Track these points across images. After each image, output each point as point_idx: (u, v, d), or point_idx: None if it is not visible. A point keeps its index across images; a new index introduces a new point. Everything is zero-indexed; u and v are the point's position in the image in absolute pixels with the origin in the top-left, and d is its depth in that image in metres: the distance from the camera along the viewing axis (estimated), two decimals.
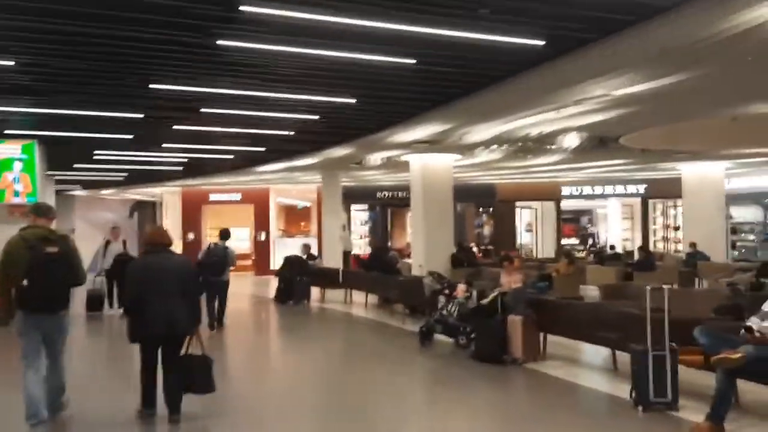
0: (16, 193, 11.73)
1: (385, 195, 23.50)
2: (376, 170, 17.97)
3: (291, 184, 23.14)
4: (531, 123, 10.02)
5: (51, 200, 16.24)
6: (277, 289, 14.71)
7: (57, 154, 13.52)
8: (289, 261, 15.01)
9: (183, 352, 5.31)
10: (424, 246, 13.46)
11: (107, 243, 12.54)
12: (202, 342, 5.38)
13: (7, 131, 11.15)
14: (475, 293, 8.40)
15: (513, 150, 13.08)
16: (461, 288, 8.50)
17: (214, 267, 10.50)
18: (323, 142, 12.58)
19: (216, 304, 10.64)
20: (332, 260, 17.50)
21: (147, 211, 30.78)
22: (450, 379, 7.32)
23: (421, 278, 10.49)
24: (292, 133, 11.42)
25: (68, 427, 5.39)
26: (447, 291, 8.73)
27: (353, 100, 8.28)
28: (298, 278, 14.38)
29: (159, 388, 5.34)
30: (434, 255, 13.15)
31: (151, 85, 7.60)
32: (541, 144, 11.93)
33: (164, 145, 13.34)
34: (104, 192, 25.71)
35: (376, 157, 14.88)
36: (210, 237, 21.96)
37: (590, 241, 26.00)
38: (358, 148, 13.22)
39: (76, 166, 16.50)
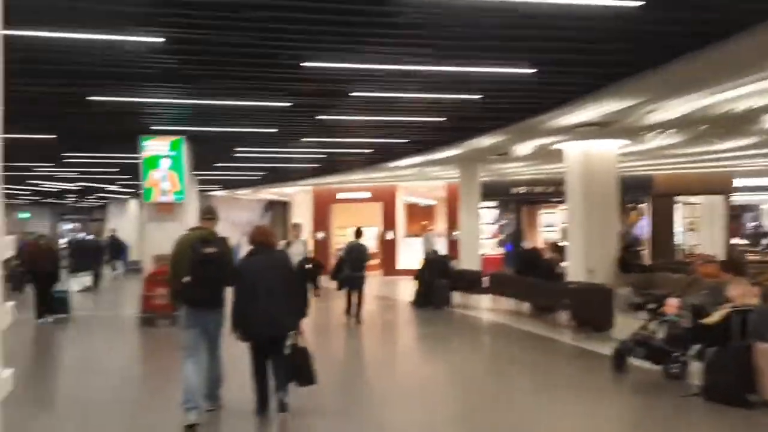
0: (164, 192, 11.57)
1: (519, 191, 21.63)
2: (520, 162, 16.46)
3: (421, 180, 22.11)
4: (742, 94, 8.16)
5: (194, 199, 16.44)
6: (416, 291, 13.65)
7: (200, 153, 13.41)
8: (429, 261, 13.94)
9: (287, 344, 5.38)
10: (583, 247, 11.86)
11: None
12: (305, 338, 5.49)
13: (154, 127, 10.99)
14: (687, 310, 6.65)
15: (699, 132, 11.08)
16: (673, 303, 6.76)
17: (354, 263, 11.17)
18: (474, 130, 11.35)
19: (355, 299, 11.20)
20: (469, 262, 16.14)
21: (279, 210, 31.27)
22: (673, 425, 5.66)
23: (600, 287, 8.91)
24: (442, 119, 10.31)
25: (219, 416, 5.68)
26: (652, 305, 7.02)
27: (531, 70, 6.97)
28: (437, 280, 13.26)
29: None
30: (594, 257, 11.53)
31: (304, 63, 6.77)
32: (742, 123, 9.91)
33: (304, 140, 12.78)
34: (240, 192, 26.20)
35: (526, 146, 13.40)
36: (338, 236, 21.60)
37: (766, 241, 22.64)
38: (511, 135, 11.85)
39: (216, 164, 16.51)
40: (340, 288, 11.40)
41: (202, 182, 19.66)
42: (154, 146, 11.49)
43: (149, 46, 6.14)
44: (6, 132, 2.05)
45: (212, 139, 12.48)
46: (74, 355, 9.77)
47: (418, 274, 13.79)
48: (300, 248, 11.24)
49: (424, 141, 12.74)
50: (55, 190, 25.27)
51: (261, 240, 5.44)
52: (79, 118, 10.20)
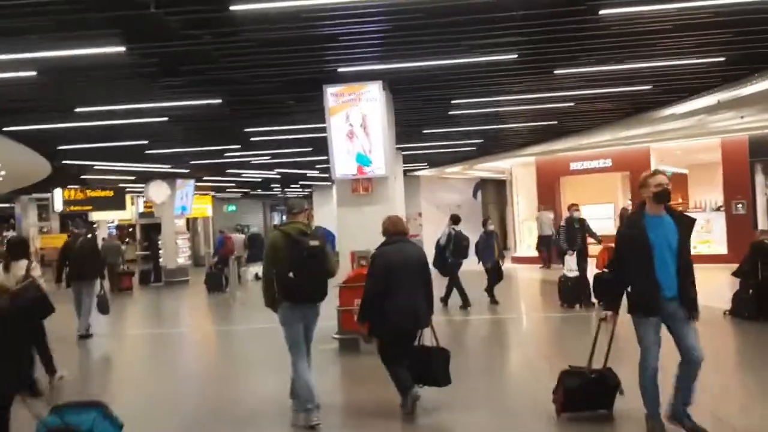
0: (360, 158, 8.23)
1: None
2: None
3: (691, 137, 16.41)
4: None
5: (400, 179, 13.25)
6: (740, 294, 8.76)
7: (406, 109, 9.93)
8: (758, 248, 8.88)
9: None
10: None
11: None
12: (435, 333, 5.35)
13: (342, 68, 7.67)
14: None
15: None
16: None
17: (461, 251, 10.87)
18: None
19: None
20: None
21: (491, 189, 27.29)
22: None
23: None
24: None
25: (337, 414, 5.42)
26: None
27: None
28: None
29: None
30: None
31: None
32: None
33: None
34: (449, 170, 22.65)
35: None
36: (566, 213, 17.01)
37: None
38: None
39: (426, 131, 13.01)
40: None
41: (406, 160, 16.39)
42: (341, 96, 8.18)
43: None
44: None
45: (421, 86, 8.95)
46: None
47: (743, 268, 8.83)
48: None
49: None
50: (259, 180, 24.10)
51: (396, 230, 5.26)
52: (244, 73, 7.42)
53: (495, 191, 27.45)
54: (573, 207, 10.77)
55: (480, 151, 17.13)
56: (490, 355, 7.92)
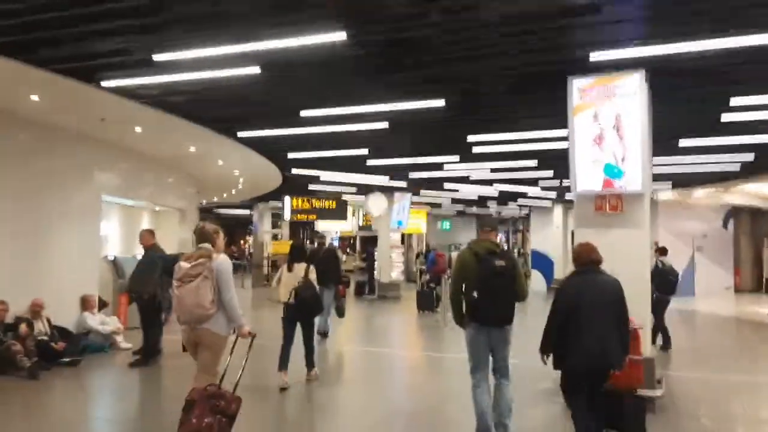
0: (617, 173, 6.63)
1: None
2: None
3: None
4: None
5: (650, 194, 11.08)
6: None
7: (663, 115, 8.06)
8: None
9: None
10: None
11: None
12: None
13: (595, 55, 6.21)
14: None
15: None
16: None
17: (667, 287, 9.82)
18: None
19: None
20: None
21: (745, 219, 22.95)
22: None
23: None
24: None
25: None
26: None
27: None
28: None
29: None
30: None
31: None
32: None
33: None
34: (696, 194, 19.34)
35: None
36: None
37: None
38: None
39: (684, 144, 10.77)
40: None
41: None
42: (589, 91, 6.66)
43: None
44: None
45: (692, 79, 7.09)
46: None
47: None
48: None
49: None
50: (475, 198, 23.09)
51: (587, 258, 4.85)
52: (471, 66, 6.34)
53: (750, 221, 23.03)
54: None
55: (747, 171, 14.03)
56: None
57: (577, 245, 5.04)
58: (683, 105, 8.32)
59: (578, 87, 6.64)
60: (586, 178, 6.77)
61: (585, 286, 4.73)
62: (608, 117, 6.55)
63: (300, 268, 7.19)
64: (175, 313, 4.72)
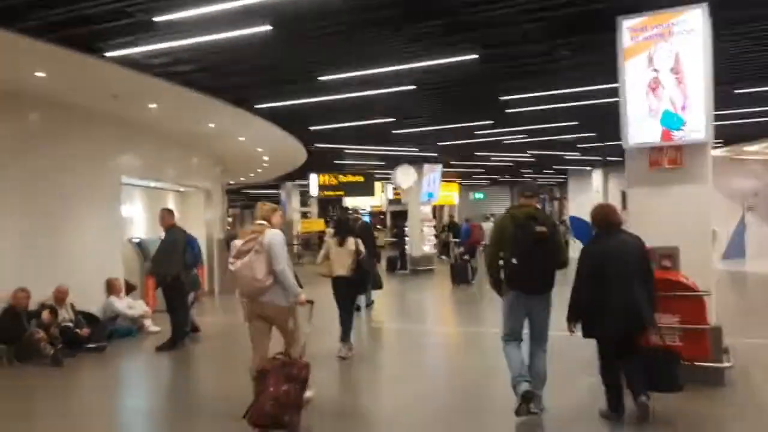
0: (676, 122, 5.84)
1: None
2: None
3: None
4: None
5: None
6: None
7: (722, 58, 7.19)
8: None
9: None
10: None
11: None
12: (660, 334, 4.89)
13: None
14: None
15: None
16: None
17: None
18: None
19: None
20: None
21: None
22: None
23: None
24: None
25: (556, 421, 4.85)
26: None
27: None
28: None
29: None
30: None
31: None
32: None
33: None
34: (749, 149, 18.16)
35: None
36: None
37: None
38: None
39: (738, 90, 9.82)
40: None
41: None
42: (642, 31, 5.85)
43: None
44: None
45: (757, 14, 6.23)
46: None
47: None
48: None
49: None
50: (510, 164, 22.27)
51: (609, 220, 4.78)
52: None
53: None
54: None
55: None
56: None
57: (597, 206, 4.98)
58: (750, 44, 7.44)
59: (629, 27, 5.83)
60: (641, 130, 5.98)
61: (608, 248, 4.67)
62: (666, 59, 5.74)
63: (351, 242, 7.29)
64: (236, 288, 4.98)
